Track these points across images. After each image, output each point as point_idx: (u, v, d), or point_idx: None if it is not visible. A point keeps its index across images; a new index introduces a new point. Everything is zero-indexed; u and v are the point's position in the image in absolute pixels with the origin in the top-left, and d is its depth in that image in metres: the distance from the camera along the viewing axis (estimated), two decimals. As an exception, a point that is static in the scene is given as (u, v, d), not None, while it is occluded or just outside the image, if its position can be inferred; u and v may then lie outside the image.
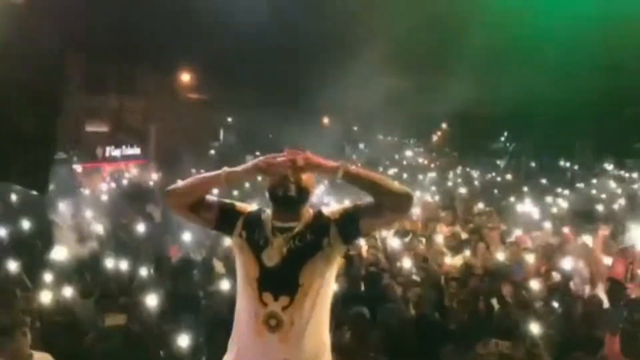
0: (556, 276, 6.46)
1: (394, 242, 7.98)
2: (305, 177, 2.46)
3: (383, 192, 2.33)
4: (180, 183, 2.56)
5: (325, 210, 2.52)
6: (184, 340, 4.54)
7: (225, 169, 2.50)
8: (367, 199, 2.40)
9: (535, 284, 5.93)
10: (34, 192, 4.99)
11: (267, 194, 2.54)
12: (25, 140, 4.65)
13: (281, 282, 2.37)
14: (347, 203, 2.56)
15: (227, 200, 2.63)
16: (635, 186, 17.54)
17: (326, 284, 2.44)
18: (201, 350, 4.74)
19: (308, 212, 2.51)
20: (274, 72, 25.62)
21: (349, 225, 2.41)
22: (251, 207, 2.63)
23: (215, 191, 3.28)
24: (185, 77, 24.61)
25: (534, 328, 4.27)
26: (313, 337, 2.39)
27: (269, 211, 2.53)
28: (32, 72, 5.03)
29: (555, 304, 5.38)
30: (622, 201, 13.17)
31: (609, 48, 19.13)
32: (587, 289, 6.72)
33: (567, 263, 6.16)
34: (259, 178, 2.74)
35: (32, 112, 4.76)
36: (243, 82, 25.60)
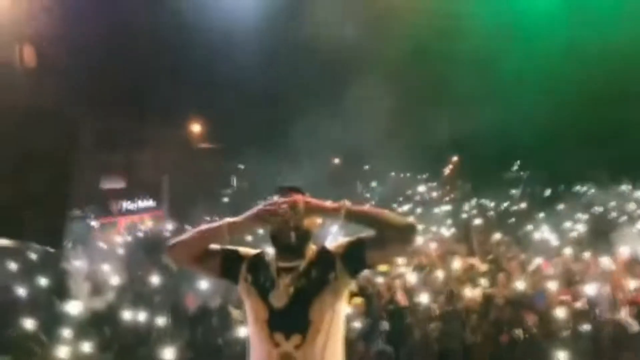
0: (580, 302, 6.30)
1: (412, 277, 7.89)
2: (306, 220, 2.47)
3: (386, 227, 2.35)
4: (182, 237, 2.56)
5: (329, 245, 2.52)
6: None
7: (227, 219, 2.50)
8: (371, 232, 2.41)
9: (560, 312, 5.77)
10: (51, 249, 5.06)
11: (269, 238, 2.53)
12: (40, 200, 4.76)
13: (291, 321, 2.37)
14: (350, 237, 2.51)
15: (230, 247, 2.61)
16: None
17: (337, 318, 2.43)
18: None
19: (311, 249, 2.51)
20: (283, 116, 26.00)
21: (355, 258, 2.42)
22: (254, 251, 2.62)
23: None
24: (196, 128, 25.06)
25: (562, 357, 4.14)
26: None
27: (272, 252, 2.54)
28: (43, 134, 5.18)
29: (582, 331, 5.21)
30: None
31: (617, 75, 19.22)
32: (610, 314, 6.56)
33: (591, 289, 6.01)
34: (261, 229, 2.72)
35: (45, 173, 4.89)
36: (253, 129, 25.99)
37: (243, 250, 2.61)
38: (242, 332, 5.55)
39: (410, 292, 7.56)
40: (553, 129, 24.39)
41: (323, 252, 2.49)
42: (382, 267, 8.55)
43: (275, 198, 2.50)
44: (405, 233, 2.38)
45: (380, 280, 7.67)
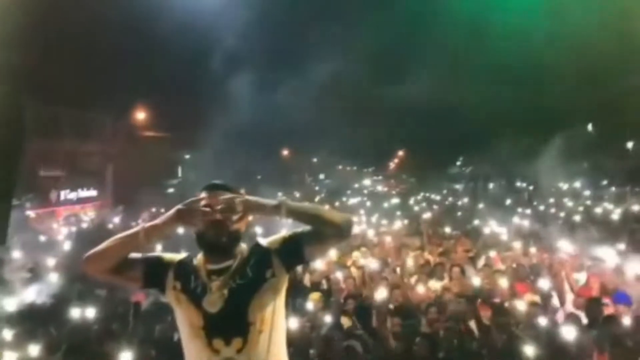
0: (532, 296, 6.49)
1: (373, 265, 7.93)
2: (234, 218, 2.35)
3: (325, 223, 2.29)
4: (97, 248, 2.35)
5: (263, 242, 2.42)
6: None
7: (144, 225, 2.36)
8: (305, 227, 2.35)
9: (520, 305, 5.91)
10: (-6, 243, 4.71)
11: (195, 239, 2.39)
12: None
13: (229, 326, 2.25)
14: (284, 232, 2.44)
15: (152, 254, 2.48)
16: (589, 202, 18.21)
17: (278, 315, 2.34)
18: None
19: (241, 247, 2.40)
20: (231, 105, 25.57)
21: (292, 252, 2.34)
22: (179, 255, 2.48)
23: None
24: (141, 115, 24.26)
25: (529, 350, 4.24)
26: None
27: (200, 256, 2.40)
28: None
29: (539, 324, 5.36)
30: (578, 217, 13.56)
31: (557, 68, 19.97)
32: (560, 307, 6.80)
33: (545, 283, 6.20)
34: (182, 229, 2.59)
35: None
36: (200, 117, 25.44)
37: (167, 256, 2.47)
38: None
39: (368, 285, 7.59)
40: (499, 125, 25.24)
41: (257, 249, 2.39)
42: (338, 259, 8.57)
43: (202, 195, 2.38)
44: (343, 228, 2.32)
45: (338, 274, 7.64)
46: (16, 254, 9.28)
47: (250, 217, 2.46)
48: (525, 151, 23.70)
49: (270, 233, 2.63)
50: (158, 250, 2.42)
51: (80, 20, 14.72)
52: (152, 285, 2.43)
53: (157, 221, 2.36)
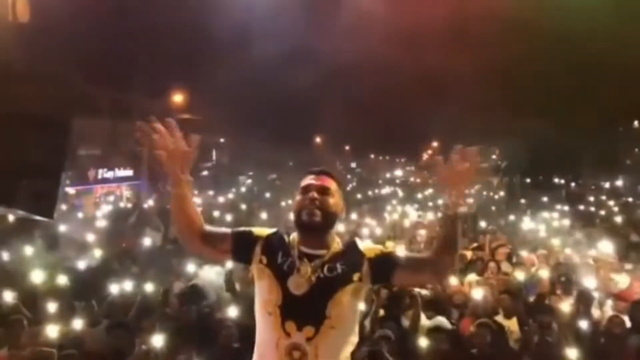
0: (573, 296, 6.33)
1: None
2: (332, 200, 2.37)
3: (451, 254, 2.27)
4: (175, 228, 2.47)
5: (360, 244, 2.40)
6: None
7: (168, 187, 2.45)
8: (410, 253, 2.34)
9: (563, 305, 5.77)
10: (44, 219, 4.79)
11: (292, 219, 2.44)
12: (36, 169, 4.46)
13: (307, 312, 2.23)
14: (383, 246, 2.51)
15: (242, 228, 2.51)
16: (630, 200, 17.70)
17: (353, 319, 2.32)
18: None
19: (336, 240, 2.39)
20: (267, 92, 25.67)
21: (383, 268, 2.31)
22: (270, 230, 2.49)
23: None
24: (178, 98, 24.50)
25: (572, 354, 4.13)
26: None
27: (295, 235, 2.40)
28: (37, 97, 4.82)
29: (582, 325, 5.22)
30: (619, 218, 13.15)
31: (601, 65, 19.37)
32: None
33: (589, 282, 6.03)
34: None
35: (41, 140, 4.56)
36: (235, 102, 25.62)
37: (257, 230, 2.48)
38: (232, 312, 5.43)
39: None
40: (535, 119, 24.59)
41: (352, 249, 2.37)
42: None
43: (309, 177, 2.44)
44: (446, 274, 2.33)
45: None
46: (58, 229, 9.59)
47: (340, 198, 2.45)
48: (565, 146, 23.12)
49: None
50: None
51: (123, 1, 14.92)
52: (240, 258, 2.46)
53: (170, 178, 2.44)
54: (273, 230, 2.48)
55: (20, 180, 4.74)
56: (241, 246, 2.41)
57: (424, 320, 5.81)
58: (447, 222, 2.29)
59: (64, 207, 13.26)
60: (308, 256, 2.30)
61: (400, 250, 2.38)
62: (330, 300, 2.22)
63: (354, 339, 2.34)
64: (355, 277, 2.27)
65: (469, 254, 9.33)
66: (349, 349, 2.31)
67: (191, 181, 2.45)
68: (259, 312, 2.33)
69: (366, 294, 2.43)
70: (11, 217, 8.84)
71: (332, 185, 2.40)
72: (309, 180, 2.41)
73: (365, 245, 2.40)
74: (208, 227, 2.44)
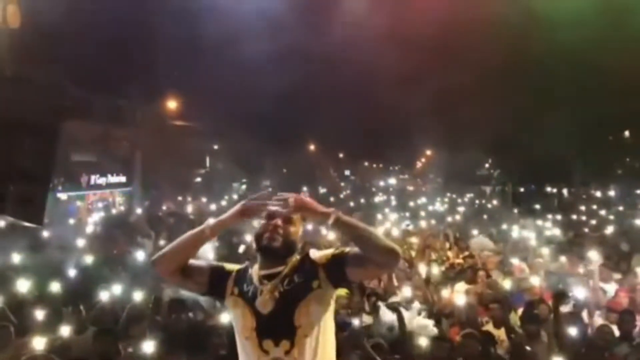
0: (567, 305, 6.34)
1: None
2: (294, 229, 2.52)
3: (371, 247, 2.34)
4: (166, 249, 2.56)
5: (313, 255, 2.53)
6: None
7: (209, 221, 2.55)
8: (355, 248, 2.42)
9: (545, 312, 5.80)
10: (32, 225, 4.77)
11: (254, 243, 2.58)
12: (25, 174, 4.46)
13: (279, 327, 2.39)
14: (333, 249, 2.57)
15: (217, 263, 2.71)
16: (621, 209, 17.78)
17: (325, 325, 2.44)
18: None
19: (294, 257, 2.53)
20: (262, 99, 25.66)
21: (336, 270, 2.43)
22: (239, 265, 2.67)
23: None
24: (172, 104, 24.49)
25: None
26: None
27: (256, 265, 2.56)
28: (27, 103, 4.85)
29: (571, 333, 5.23)
30: (611, 227, 13.19)
31: (592, 75, 19.53)
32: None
33: (579, 292, 6.06)
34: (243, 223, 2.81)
35: (31, 145, 4.58)
36: (230, 109, 25.61)
37: (229, 265, 2.66)
38: (224, 318, 5.40)
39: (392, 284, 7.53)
40: (528, 129, 24.74)
41: (306, 261, 2.50)
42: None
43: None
44: (389, 258, 2.36)
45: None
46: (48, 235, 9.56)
47: (301, 226, 2.59)
48: (557, 156, 23.23)
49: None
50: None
51: (116, 6, 14.91)
52: (214, 291, 2.60)
53: (221, 217, 2.56)
54: (242, 265, 2.66)
55: (8, 186, 4.73)
56: (217, 280, 2.57)
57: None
58: (338, 229, 2.48)
59: (54, 213, 13.16)
60: (267, 277, 2.46)
61: (348, 248, 2.46)
62: (295, 310, 2.37)
63: (331, 341, 2.47)
64: (315, 284, 2.41)
65: (458, 262, 9.36)
66: (328, 349, 2.44)
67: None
68: (238, 340, 2.50)
69: (333, 300, 2.53)
70: (1, 223, 8.80)
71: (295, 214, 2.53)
72: (274, 207, 2.51)
73: (318, 254, 2.53)
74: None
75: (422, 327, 5.73)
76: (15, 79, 5.08)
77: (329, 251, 2.53)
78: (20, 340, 4.86)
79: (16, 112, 4.74)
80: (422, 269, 8.20)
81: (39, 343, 4.62)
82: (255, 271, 2.52)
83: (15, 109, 4.81)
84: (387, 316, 6.04)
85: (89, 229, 11.64)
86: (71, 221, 13.70)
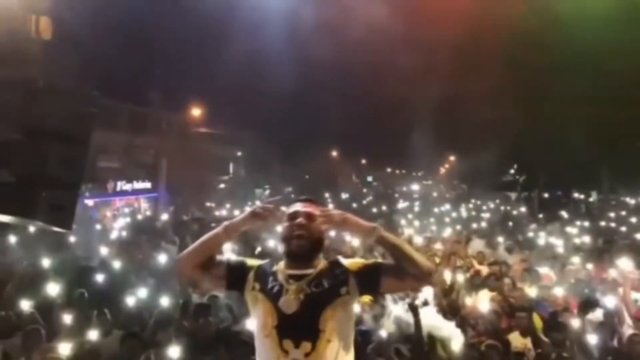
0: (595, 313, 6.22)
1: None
2: (318, 229, 2.50)
3: (409, 264, 2.39)
4: (186, 251, 2.63)
5: (343, 261, 2.54)
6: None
7: (225, 223, 2.58)
8: (389, 260, 2.46)
9: (575, 322, 5.70)
10: (62, 230, 4.87)
11: (281, 246, 2.59)
12: (56, 181, 4.58)
13: (301, 329, 2.36)
14: (365, 259, 2.59)
15: (237, 258, 2.72)
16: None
17: (348, 331, 2.43)
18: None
19: (322, 260, 2.53)
20: (285, 106, 25.84)
21: (369, 280, 2.44)
22: (261, 261, 2.66)
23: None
24: (196, 112, 24.81)
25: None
26: None
27: (282, 262, 2.55)
28: (58, 111, 4.96)
29: (594, 342, 5.12)
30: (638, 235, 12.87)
31: (619, 80, 19.17)
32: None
33: (610, 300, 5.93)
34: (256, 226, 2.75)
35: (61, 152, 4.69)
36: (253, 116, 25.86)
37: (250, 260, 2.66)
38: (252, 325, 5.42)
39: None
40: (554, 134, 24.34)
41: (336, 266, 2.50)
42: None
43: (296, 205, 2.59)
44: (424, 276, 2.44)
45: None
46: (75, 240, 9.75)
47: (329, 232, 2.59)
48: (585, 162, 22.82)
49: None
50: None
51: (143, 16, 15.19)
52: (233, 285, 2.61)
53: (235, 219, 2.59)
54: (264, 261, 2.65)
55: (40, 193, 4.85)
56: (236, 274, 2.57)
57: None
58: (379, 245, 2.47)
59: (81, 218, 13.39)
60: (295, 277, 2.45)
61: (381, 259, 2.52)
62: (321, 314, 2.35)
63: (351, 348, 2.46)
64: (343, 291, 2.41)
65: (484, 269, 9.24)
66: (348, 356, 2.43)
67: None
68: (257, 337, 2.47)
69: (354, 306, 2.60)
70: (31, 228, 9.00)
71: (317, 212, 2.54)
72: (295, 207, 2.57)
73: (349, 260, 2.54)
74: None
75: (436, 327, 5.64)
76: (47, 89, 5.23)
77: (361, 260, 2.55)
78: (47, 346, 4.94)
79: (48, 121, 4.87)
80: (447, 275, 8.14)
81: (65, 349, 4.71)
82: (281, 269, 2.51)
83: (47, 118, 4.95)
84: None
85: (115, 234, 11.83)
86: (97, 227, 13.92)
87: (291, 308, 2.36)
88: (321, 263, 2.50)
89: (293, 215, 2.53)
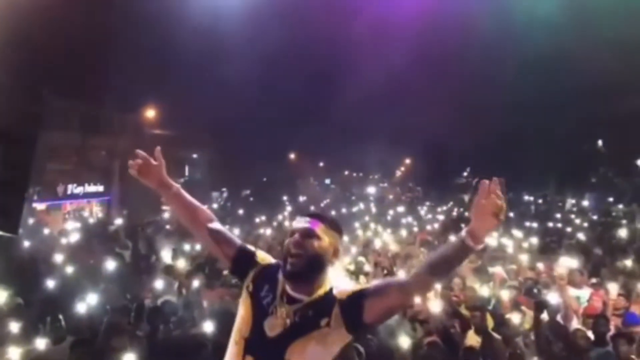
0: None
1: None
2: (317, 243, 2.30)
3: (441, 275, 2.30)
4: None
5: (336, 289, 2.31)
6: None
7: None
8: (379, 282, 2.38)
9: (516, 318, 5.92)
10: (8, 234, 4.71)
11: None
12: (1, 183, 4.43)
13: (268, 353, 2.22)
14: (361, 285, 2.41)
15: (251, 247, 2.54)
16: (595, 218, 18.15)
17: None
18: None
19: (324, 288, 2.31)
20: (241, 108, 25.64)
21: (353, 306, 2.21)
22: (272, 260, 2.49)
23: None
24: (150, 113, 24.29)
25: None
26: None
27: (280, 276, 2.36)
28: (8, 112, 4.82)
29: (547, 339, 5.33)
30: (581, 235, 13.41)
31: (565, 84, 19.97)
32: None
33: (553, 297, 6.18)
34: None
35: (6, 155, 4.55)
36: (209, 118, 25.52)
37: (260, 255, 2.50)
38: (209, 328, 5.37)
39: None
40: (506, 136, 25.13)
41: (328, 294, 2.29)
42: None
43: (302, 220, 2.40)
44: (418, 292, 2.42)
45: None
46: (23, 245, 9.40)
47: (332, 238, 2.37)
48: (534, 164, 23.63)
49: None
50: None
51: (95, 16, 14.83)
52: (236, 272, 2.53)
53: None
54: (274, 261, 2.48)
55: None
56: (242, 262, 2.47)
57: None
58: (462, 251, 2.14)
59: (30, 222, 12.94)
60: (289, 298, 2.28)
61: (373, 282, 2.41)
62: (291, 345, 2.19)
63: None
64: (323, 322, 2.21)
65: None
66: None
67: (178, 186, 2.65)
68: (232, 336, 2.35)
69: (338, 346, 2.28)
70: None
71: (319, 227, 2.33)
72: (295, 224, 2.39)
73: (342, 289, 2.30)
74: (218, 225, 2.57)
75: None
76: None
77: (356, 287, 2.33)
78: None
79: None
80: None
81: (14, 354, 4.55)
82: (282, 281, 2.32)
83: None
84: None
85: (66, 238, 11.47)
86: (45, 231, 13.45)
87: (274, 331, 2.21)
88: (322, 291, 2.29)
89: (291, 233, 2.34)
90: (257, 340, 2.24)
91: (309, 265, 2.26)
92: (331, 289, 2.30)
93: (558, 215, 18.14)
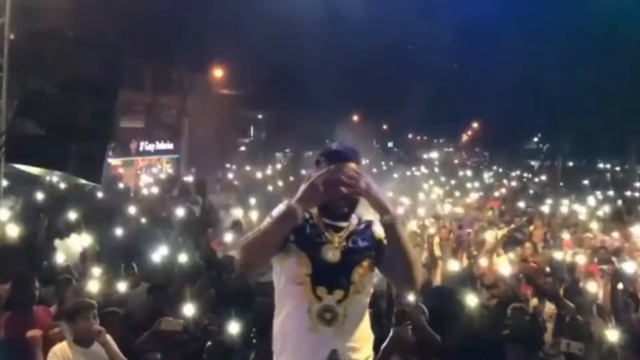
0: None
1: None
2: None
3: (404, 266, 2.37)
4: (248, 251, 2.37)
5: (376, 225, 2.47)
6: (234, 329, 4.56)
7: (290, 204, 2.31)
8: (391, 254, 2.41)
9: (592, 287, 5.71)
10: (91, 184, 4.98)
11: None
12: (83, 135, 4.66)
13: (337, 277, 2.38)
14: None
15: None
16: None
17: (370, 288, 2.48)
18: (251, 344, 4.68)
19: (352, 215, 2.50)
20: (306, 69, 25.56)
21: (381, 250, 2.45)
22: None
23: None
24: (218, 73, 24.66)
25: (612, 336, 4.06)
26: (363, 330, 2.46)
27: (314, 212, 2.47)
28: (88, 64, 5.02)
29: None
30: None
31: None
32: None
33: (629, 266, 5.90)
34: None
35: (93, 107, 4.77)
36: (275, 79, 25.64)
37: None
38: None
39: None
40: (580, 102, 23.78)
41: (370, 227, 2.49)
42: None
43: (334, 167, 2.35)
44: (409, 286, 2.53)
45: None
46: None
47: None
48: (611, 130, 22.32)
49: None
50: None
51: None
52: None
53: (301, 196, 2.34)
54: None
55: (71, 145, 4.94)
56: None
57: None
58: (385, 230, 2.38)
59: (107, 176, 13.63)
60: (333, 228, 2.44)
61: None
62: (355, 268, 2.39)
63: (368, 307, 2.52)
64: (372, 253, 2.44)
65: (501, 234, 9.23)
66: (367, 314, 2.49)
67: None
68: (285, 286, 2.42)
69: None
70: (62, 185, 9.21)
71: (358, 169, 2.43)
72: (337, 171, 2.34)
73: (379, 228, 2.46)
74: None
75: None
76: (77, 40, 5.27)
77: (380, 229, 2.45)
78: (76, 286, 5.13)
79: (78, 72, 4.93)
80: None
81: (93, 287, 4.88)
82: (316, 216, 2.45)
83: (77, 69, 5.00)
84: None
85: (139, 192, 12.05)
86: (120, 185, 14.16)
87: (335, 256, 2.38)
88: (352, 218, 2.49)
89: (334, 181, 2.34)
90: (324, 270, 2.37)
91: (351, 210, 2.45)
92: (371, 223, 2.49)
93: (638, 185, 17.12)
